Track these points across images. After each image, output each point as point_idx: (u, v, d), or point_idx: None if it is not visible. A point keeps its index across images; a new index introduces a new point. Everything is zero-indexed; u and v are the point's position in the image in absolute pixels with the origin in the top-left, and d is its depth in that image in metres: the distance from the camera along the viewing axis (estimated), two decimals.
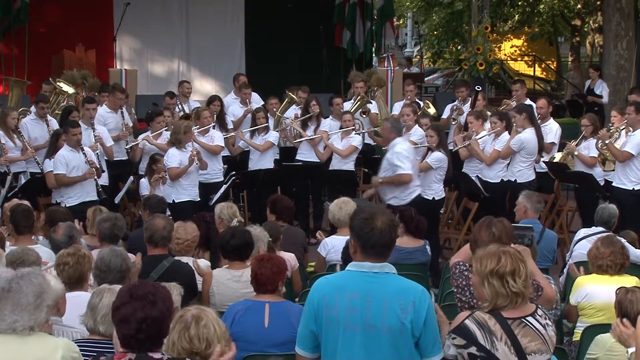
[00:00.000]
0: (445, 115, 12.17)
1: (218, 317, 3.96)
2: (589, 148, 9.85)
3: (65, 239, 6.22)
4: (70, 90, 12.17)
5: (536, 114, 10.38)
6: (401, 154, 8.87)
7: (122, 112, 11.08)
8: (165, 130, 10.43)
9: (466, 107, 11.61)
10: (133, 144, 10.64)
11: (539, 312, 3.83)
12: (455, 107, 11.86)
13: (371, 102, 12.37)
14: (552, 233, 7.86)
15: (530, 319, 3.78)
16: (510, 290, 3.74)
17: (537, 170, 9.99)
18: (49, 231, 6.82)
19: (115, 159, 10.48)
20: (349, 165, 10.72)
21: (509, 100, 12.04)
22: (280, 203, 8.04)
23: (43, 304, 3.83)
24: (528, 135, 9.64)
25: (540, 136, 9.77)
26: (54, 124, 10.60)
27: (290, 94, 11.98)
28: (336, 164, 10.78)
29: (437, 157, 9.43)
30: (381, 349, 3.72)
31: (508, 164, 9.84)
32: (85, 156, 9.11)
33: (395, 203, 8.73)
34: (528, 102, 11.38)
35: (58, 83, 12.18)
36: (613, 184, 9.45)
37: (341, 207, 7.54)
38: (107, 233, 6.40)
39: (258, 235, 6.37)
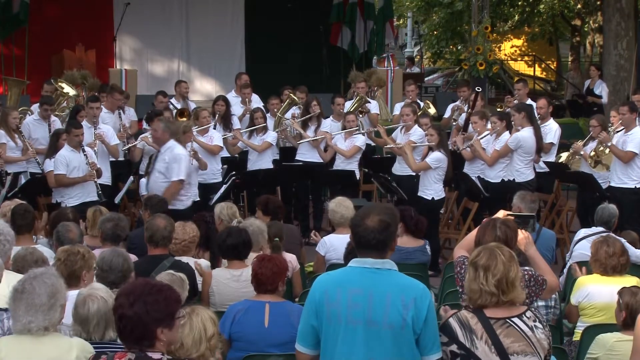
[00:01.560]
0: (446, 115, 12.17)
1: (210, 320, 3.94)
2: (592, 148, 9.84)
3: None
4: (71, 92, 12.14)
5: (536, 114, 10.39)
6: (180, 157, 8.67)
7: (119, 113, 11.09)
8: None
9: (466, 108, 11.60)
10: (130, 145, 10.61)
11: (528, 313, 3.81)
12: (456, 107, 11.86)
13: (370, 102, 12.32)
14: (550, 232, 7.85)
15: (515, 319, 3.76)
16: (479, 286, 3.75)
17: (537, 170, 9.98)
18: (51, 232, 6.81)
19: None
20: (353, 166, 10.69)
21: (511, 98, 12.05)
22: (272, 203, 8.00)
23: (57, 303, 3.85)
24: (526, 134, 9.63)
25: (538, 136, 9.76)
26: (57, 125, 10.61)
27: (291, 94, 11.96)
28: (340, 164, 10.77)
29: (437, 157, 9.42)
30: (382, 345, 3.72)
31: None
32: (87, 157, 9.11)
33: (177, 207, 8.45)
34: (529, 102, 11.38)
35: (60, 84, 12.16)
36: (612, 184, 9.45)
37: (339, 203, 7.51)
38: (110, 233, 6.38)
39: (256, 230, 6.37)
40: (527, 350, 3.73)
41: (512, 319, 3.76)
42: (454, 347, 3.74)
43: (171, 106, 11.84)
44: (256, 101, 12.49)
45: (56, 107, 11.70)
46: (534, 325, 3.78)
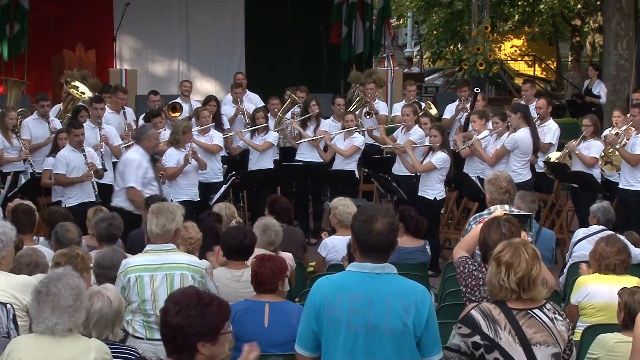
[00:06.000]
0: (448, 116, 12.10)
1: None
2: (589, 148, 9.82)
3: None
4: (88, 92, 11.85)
5: (535, 114, 10.37)
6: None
7: (124, 113, 11.08)
8: (163, 130, 10.42)
9: (468, 107, 11.59)
10: (124, 145, 10.56)
11: (548, 306, 3.85)
12: (461, 107, 11.83)
13: (369, 102, 12.26)
14: (550, 232, 7.85)
15: (537, 311, 3.79)
16: (500, 282, 3.76)
17: (537, 170, 9.97)
18: (48, 231, 6.81)
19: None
20: (352, 165, 10.68)
21: (519, 100, 12.03)
22: (278, 203, 8.02)
23: (82, 305, 3.86)
24: (522, 134, 9.63)
25: (535, 136, 9.75)
26: (57, 124, 10.59)
27: (292, 94, 11.95)
28: (338, 164, 10.76)
29: (442, 158, 9.44)
30: (383, 350, 3.72)
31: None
32: (85, 157, 9.10)
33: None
34: (534, 102, 11.34)
35: (73, 83, 12.03)
36: (619, 186, 9.46)
37: (343, 203, 7.49)
38: (105, 233, 6.40)
39: (268, 224, 6.41)
40: (549, 341, 3.76)
41: (534, 310, 3.79)
42: (476, 338, 3.74)
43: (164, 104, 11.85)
44: (257, 101, 12.49)
45: (70, 107, 11.57)
46: (554, 317, 3.82)
